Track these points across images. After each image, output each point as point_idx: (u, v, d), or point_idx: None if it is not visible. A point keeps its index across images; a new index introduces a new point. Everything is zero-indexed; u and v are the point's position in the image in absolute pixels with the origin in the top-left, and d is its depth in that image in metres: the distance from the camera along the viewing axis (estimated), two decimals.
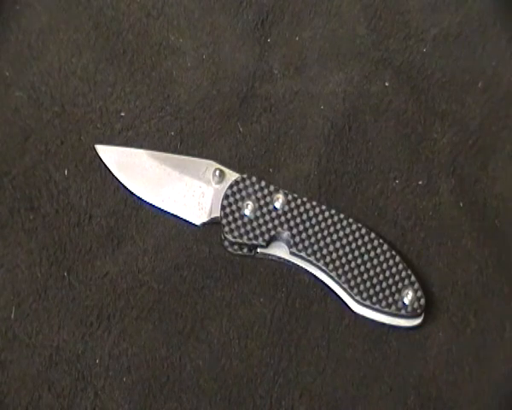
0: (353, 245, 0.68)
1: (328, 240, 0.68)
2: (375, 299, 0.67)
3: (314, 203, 0.69)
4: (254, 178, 0.70)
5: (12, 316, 0.67)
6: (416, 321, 0.68)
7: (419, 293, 0.67)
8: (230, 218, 0.69)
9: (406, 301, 0.67)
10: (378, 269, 0.67)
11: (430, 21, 0.78)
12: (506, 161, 0.74)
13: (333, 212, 0.69)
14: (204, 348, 0.67)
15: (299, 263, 0.69)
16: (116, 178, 0.71)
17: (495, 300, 0.69)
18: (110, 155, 0.72)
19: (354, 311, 0.68)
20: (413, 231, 0.71)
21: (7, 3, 0.77)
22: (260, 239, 0.68)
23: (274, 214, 0.69)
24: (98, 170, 0.72)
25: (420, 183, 0.73)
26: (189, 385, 0.66)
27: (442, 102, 0.75)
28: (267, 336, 0.68)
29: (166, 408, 0.66)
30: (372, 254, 0.68)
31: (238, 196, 0.69)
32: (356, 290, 0.67)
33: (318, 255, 0.68)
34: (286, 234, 0.68)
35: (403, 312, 0.67)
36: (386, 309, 0.67)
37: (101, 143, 0.72)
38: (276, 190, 0.69)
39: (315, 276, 0.69)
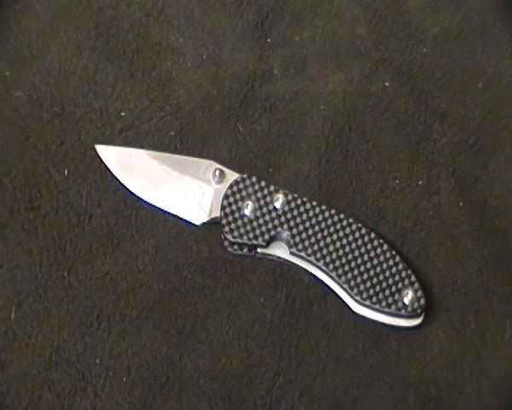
0: (353, 245, 0.68)
1: (328, 240, 0.68)
2: (375, 299, 0.67)
3: (314, 203, 0.69)
4: (254, 178, 0.70)
5: (12, 316, 0.67)
6: (416, 321, 0.68)
7: (419, 293, 0.67)
8: (230, 218, 0.69)
9: (406, 301, 0.67)
10: (378, 269, 0.67)
11: (430, 21, 0.78)
12: (506, 161, 0.74)
13: (333, 212, 0.69)
14: (204, 348, 0.67)
15: (299, 263, 0.69)
16: (116, 178, 0.71)
17: (495, 300, 0.69)
18: (110, 155, 0.72)
19: (354, 311, 0.68)
20: (413, 231, 0.71)
21: (7, 3, 0.77)
22: (260, 239, 0.68)
23: (274, 214, 0.69)
24: (98, 170, 0.72)
25: (420, 183, 0.73)
26: (189, 385, 0.66)
27: (442, 102, 0.75)
28: (267, 336, 0.68)
29: (166, 408, 0.66)
30: (372, 254, 0.68)
31: (238, 196, 0.69)
32: (356, 290, 0.67)
33: (318, 255, 0.68)
34: (286, 234, 0.68)
35: (403, 312, 0.67)
36: (386, 309, 0.67)
37: (101, 143, 0.72)
38: (276, 190, 0.69)
39: (315, 276, 0.69)
